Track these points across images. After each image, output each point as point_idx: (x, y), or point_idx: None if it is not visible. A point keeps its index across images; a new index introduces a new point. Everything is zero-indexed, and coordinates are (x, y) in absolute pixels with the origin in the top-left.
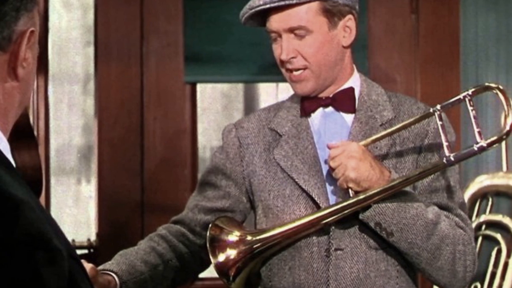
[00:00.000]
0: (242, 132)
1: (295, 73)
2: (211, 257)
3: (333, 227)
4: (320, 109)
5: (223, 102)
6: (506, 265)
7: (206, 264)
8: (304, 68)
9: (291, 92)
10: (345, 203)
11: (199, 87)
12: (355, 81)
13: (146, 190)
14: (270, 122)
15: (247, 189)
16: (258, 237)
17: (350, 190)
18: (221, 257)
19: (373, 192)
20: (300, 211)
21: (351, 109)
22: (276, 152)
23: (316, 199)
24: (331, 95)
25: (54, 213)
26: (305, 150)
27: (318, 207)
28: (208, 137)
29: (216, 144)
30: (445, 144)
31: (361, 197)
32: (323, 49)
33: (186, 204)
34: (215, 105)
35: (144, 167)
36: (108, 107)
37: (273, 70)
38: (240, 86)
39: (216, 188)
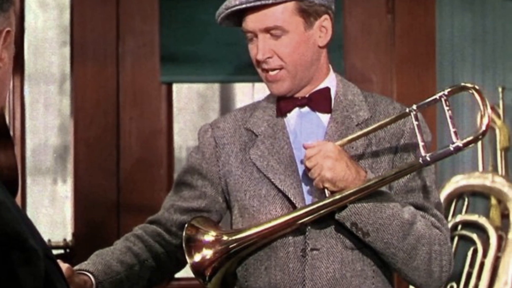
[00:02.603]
0: (218, 132)
1: (271, 73)
2: (187, 257)
3: (309, 227)
4: (296, 109)
5: (199, 102)
6: (482, 265)
7: (182, 264)
8: (280, 68)
9: (267, 92)
10: (321, 203)
11: (175, 87)
12: (331, 81)
13: (122, 190)
14: (246, 122)
15: (223, 189)
16: (234, 237)
17: (326, 190)
18: (197, 257)
19: (349, 192)
20: (276, 211)
21: (327, 109)
22: (252, 152)
23: (292, 199)
24: (307, 95)
25: (30, 213)
26: (281, 150)
27: (294, 207)
28: (184, 137)
29: (192, 144)
30: (421, 144)
31: (337, 197)
32: (299, 49)
33: (162, 204)
34: (191, 105)
35: (120, 167)
36: (84, 107)
37: (249, 70)
38: (216, 86)
39: (192, 188)
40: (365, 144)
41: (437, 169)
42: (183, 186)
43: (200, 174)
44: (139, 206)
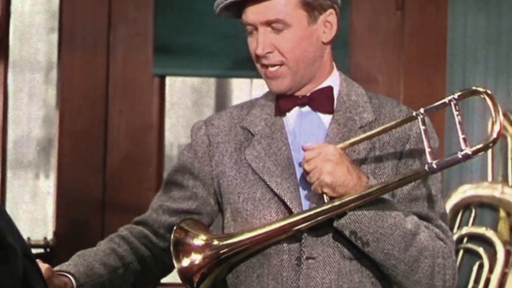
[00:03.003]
0: (212, 130)
1: (270, 69)
2: (174, 261)
3: (305, 234)
4: (296, 108)
5: (193, 97)
6: (488, 281)
7: (169, 269)
8: (281, 64)
9: (266, 89)
10: (319, 209)
11: (168, 80)
12: (334, 80)
13: (108, 188)
14: (243, 120)
15: (216, 191)
16: (225, 242)
17: (324, 196)
18: (185, 262)
19: (349, 198)
20: (271, 215)
21: (328, 109)
22: (248, 152)
23: (288, 203)
24: (308, 94)
25: (9, 208)
26: (278, 151)
27: (290, 213)
28: (176, 133)
29: (184, 142)
30: (427, 150)
31: (336, 203)
32: (301, 44)
33: (150, 204)
34: (185, 100)
35: (107, 163)
36: (70, 98)
37: (248, 65)
38: (211, 81)
39: (182, 189)
40: (368, 148)
41: (443, 177)
42: (173, 186)
43: (191, 174)
44: (125, 205)
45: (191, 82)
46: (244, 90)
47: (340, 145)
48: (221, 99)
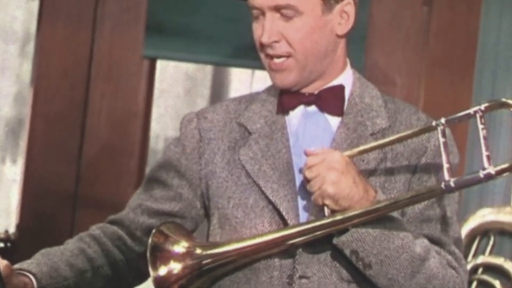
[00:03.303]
0: (204, 124)
1: (276, 60)
2: (150, 268)
3: (300, 250)
4: (301, 107)
5: (186, 85)
6: None
7: (143, 277)
8: (288, 56)
9: (269, 83)
10: (318, 223)
11: (160, 64)
12: (346, 78)
13: (82, 180)
14: (240, 115)
15: (203, 193)
16: (209, 252)
17: (325, 208)
18: (163, 270)
19: (353, 213)
20: (263, 226)
21: (338, 111)
22: (243, 152)
23: (284, 213)
24: (316, 92)
25: None
26: (277, 154)
27: (285, 224)
28: (164, 124)
29: (172, 135)
30: (445, 165)
31: (338, 217)
32: (312, 35)
33: (128, 202)
34: (176, 88)
35: (83, 152)
36: (48, 75)
37: (250, 54)
38: (208, 69)
39: (165, 187)
40: (378, 158)
41: (461, 198)
42: (156, 183)
43: (177, 172)
44: (100, 201)
45: (184, 68)
46: (244, 82)
47: (348, 153)
48: (217, 90)
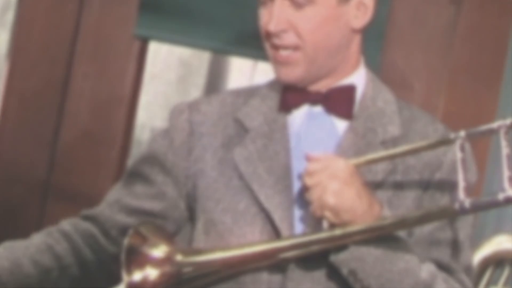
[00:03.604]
0: (197, 116)
1: (282, 52)
2: (124, 272)
3: (292, 266)
4: (306, 106)
5: (180, 72)
6: None
7: (114, 281)
8: (295, 48)
9: (272, 76)
10: (314, 237)
11: (152, 46)
12: (359, 78)
13: (57, 168)
14: (237, 110)
15: (189, 193)
16: (191, 259)
17: (324, 220)
18: (137, 276)
19: (355, 229)
20: (253, 235)
21: (346, 113)
22: (238, 151)
23: (277, 223)
24: (323, 91)
25: None
26: (275, 156)
27: (278, 235)
28: (152, 113)
29: (159, 125)
30: (461, 184)
31: (338, 232)
32: (325, 26)
33: (106, 196)
34: (168, 74)
35: (60, 137)
36: (27, 48)
37: (254, 43)
38: (206, 56)
39: (148, 183)
40: (387, 169)
41: (476, 221)
42: (137, 178)
43: (162, 167)
44: (74, 192)
45: (179, 53)
46: (245, 73)
47: (354, 161)
48: (214, 80)
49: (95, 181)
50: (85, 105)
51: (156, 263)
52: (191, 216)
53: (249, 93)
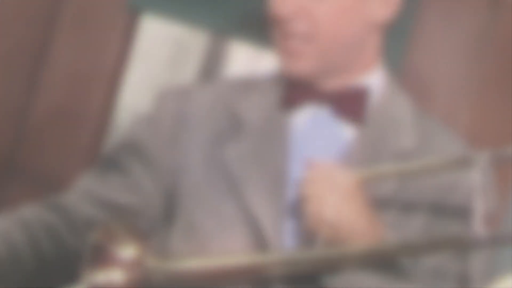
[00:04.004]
0: (187, 105)
1: (292, 41)
2: (86, 272)
3: (277, 285)
4: (311, 106)
5: (172, 52)
6: None
7: (73, 280)
8: (307, 38)
9: (277, 67)
10: (307, 254)
11: (145, 20)
12: (374, 79)
13: (23, 145)
14: (233, 103)
15: (169, 190)
16: (164, 266)
17: (319, 236)
18: (101, 278)
19: (353, 251)
20: (235, 244)
21: (356, 117)
22: (229, 148)
23: (266, 233)
24: (332, 89)
25: None
26: (271, 158)
27: (266, 247)
28: (136, 95)
29: (144, 110)
30: (479, 212)
31: (334, 252)
32: (344, 16)
33: (76, 182)
34: (159, 53)
35: (30, 111)
36: (4, 10)
37: (260, 27)
38: (202, 36)
39: (124, 173)
40: (396, 186)
41: (491, 256)
42: (113, 166)
43: (142, 157)
44: (40, 176)
45: (174, 32)
46: (246, 60)
47: (359, 173)
48: (209, 65)
49: (65, 164)
50: (62, 78)
51: (124, 265)
52: (169, 216)
53: (249, 84)
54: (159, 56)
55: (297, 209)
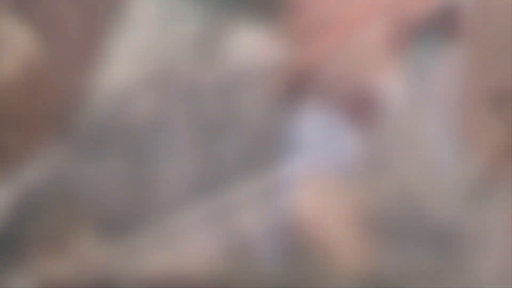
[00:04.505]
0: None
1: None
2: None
3: None
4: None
5: (163, 27)
6: None
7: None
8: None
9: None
10: (290, 271)
11: None
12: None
13: None
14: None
15: None
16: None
17: (308, 252)
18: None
19: (342, 270)
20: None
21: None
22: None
23: (248, 242)
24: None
25: None
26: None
27: (245, 258)
28: (124, 68)
29: (133, 85)
30: None
31: (323, 271)
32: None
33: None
34: (151, 26)
35: None
36: None
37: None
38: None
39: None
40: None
41: None
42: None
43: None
44: (2, 151)
45: (164, 4)
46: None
47: (360, 188)
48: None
49: (31, 140)
50: None
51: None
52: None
53: (246, 78)
54: (150, 29)
55: (288, 219)
